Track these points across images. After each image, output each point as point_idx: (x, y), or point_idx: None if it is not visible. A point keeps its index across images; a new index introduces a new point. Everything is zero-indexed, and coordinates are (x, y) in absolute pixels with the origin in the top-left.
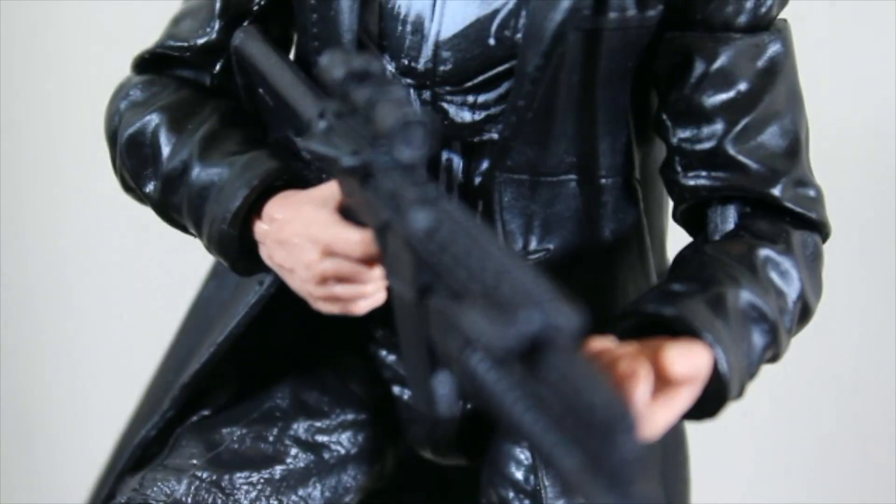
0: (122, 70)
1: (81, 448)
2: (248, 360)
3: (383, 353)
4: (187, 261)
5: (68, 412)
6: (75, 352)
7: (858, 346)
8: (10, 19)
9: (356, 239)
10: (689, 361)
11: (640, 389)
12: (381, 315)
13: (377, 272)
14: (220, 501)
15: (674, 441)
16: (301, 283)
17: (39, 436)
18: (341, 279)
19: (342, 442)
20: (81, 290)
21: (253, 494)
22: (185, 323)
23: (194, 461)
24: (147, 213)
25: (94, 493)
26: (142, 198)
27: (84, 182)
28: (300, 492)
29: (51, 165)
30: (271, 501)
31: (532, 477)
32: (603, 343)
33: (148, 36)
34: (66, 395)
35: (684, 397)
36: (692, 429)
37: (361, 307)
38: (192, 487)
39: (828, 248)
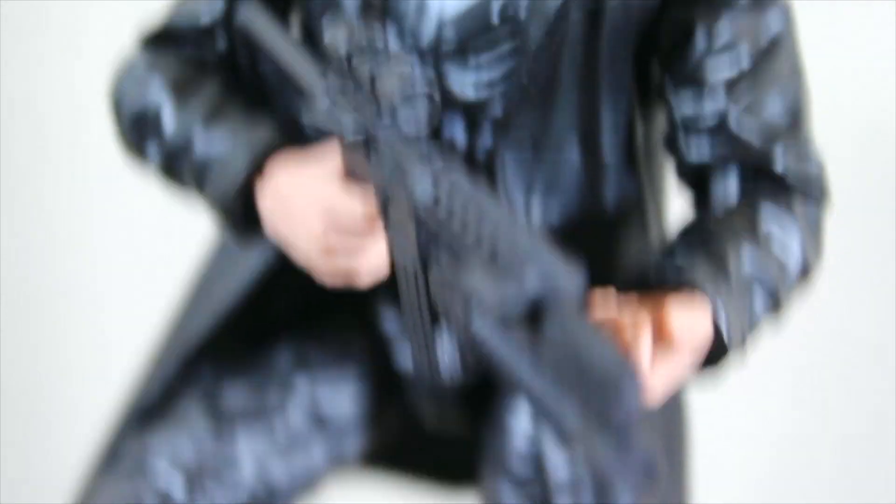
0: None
1: (88, 409)
2: (250, 320)
3: (386, 321)
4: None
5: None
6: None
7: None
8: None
9: (360, 211)
10: (691, 322)
11: (643, 346)
12: (384, 283)
13: (381, 243)
14: (222, 461)
15: (674, 403)
16: (305, 256)
17: (44, 394)
18: (345, 251)
19: (343, 403)
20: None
21: (256, 454)
22: (188, 289)
23: (197, 421)
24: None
25: (98, 454)
26: (144, 164)
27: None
28: (302, 451)
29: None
30: (273, 460)
31: (533, 444)
32: (604, 297)
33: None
34: (73, 353)
35: (686, 358)
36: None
37: (365, 280)
38: (195, 447)
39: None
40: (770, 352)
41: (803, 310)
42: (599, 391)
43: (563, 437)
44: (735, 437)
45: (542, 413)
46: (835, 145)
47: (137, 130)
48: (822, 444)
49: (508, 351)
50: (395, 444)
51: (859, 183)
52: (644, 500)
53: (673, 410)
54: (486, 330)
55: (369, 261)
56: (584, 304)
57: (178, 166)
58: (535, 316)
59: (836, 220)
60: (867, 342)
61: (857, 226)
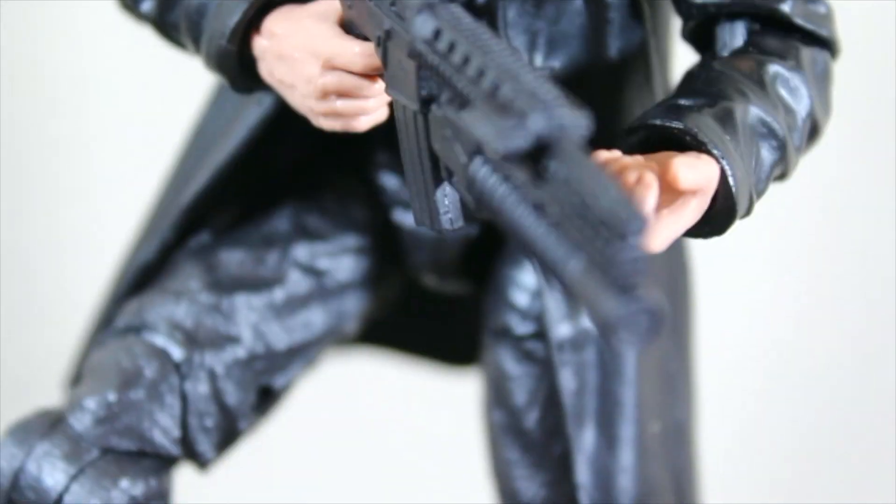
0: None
1: (85, 274)
2: (247, 184)
3: (385, 177)
4: None
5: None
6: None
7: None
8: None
9: (357, 51)
10: (697, 172)
11: (648, 197)
12: (383, 138)
13: (379, 86)
14: (219, 323)
15: (678, 258)
16: (302, 98)
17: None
18: (343, 94)
19: (343, 267)
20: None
21: (253, 317)
22: (184, 148)
23: (193, 284)
24: None
25: (94, 320)
26: (139, 17)
27: None
28: (301, 315)
29: None
30: (272, 323)
31: (536, 301)
32: (609, 154)
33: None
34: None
35: (692, 209)
36: None
37: (363, 123)
38: (192, 310)
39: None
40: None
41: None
42: (604, 232)
43: (565, 284)
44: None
45: (542, 260)
46: None
47: None
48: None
49: (509, 192)
50: (395, 318)
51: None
52: (648, 353)
53: (677, 266)
54: (486, 170)
55: (367, 102)
56: (589, 148)
57: (172, 11)
58: (537, 156)
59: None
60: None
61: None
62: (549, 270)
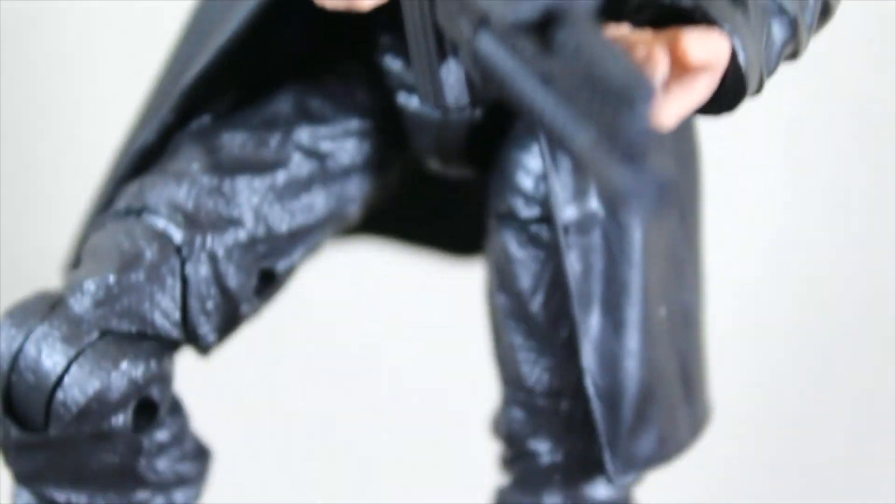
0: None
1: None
2: (249, 68)
3: (389, 60)
4: None
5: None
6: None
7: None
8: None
9: None
10: (707, 47)
11: (657, 70)
12: (387, 20)
13: None
14: (221, 206)
15: (687, 136)
16: None
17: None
18: None
19: (346, 150)
20: None
21: (255, 199)
22: (184, 31)
23: (194, 166)
24: None
25: (94, 203)
26: None
27: None
28: (303, 198)
29: None
30: (273, 206)
31: (541, 184)
32: (618, 30)
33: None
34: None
35: (702, 85)
36: None
37: (367, 1)
38: (193, 192)
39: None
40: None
41: None
42: (613, 103)
43: (575, 156)
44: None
45: (551, 132)
46: None
47: None
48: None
49: (516, 65)
50: (398, 206)
51: None
52: (655, 238)
53: (686, 152)
54: (492, 43)
55: None
56: (598, 20)
57: None
58: (545, 27)
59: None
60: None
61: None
62: (558, 142)
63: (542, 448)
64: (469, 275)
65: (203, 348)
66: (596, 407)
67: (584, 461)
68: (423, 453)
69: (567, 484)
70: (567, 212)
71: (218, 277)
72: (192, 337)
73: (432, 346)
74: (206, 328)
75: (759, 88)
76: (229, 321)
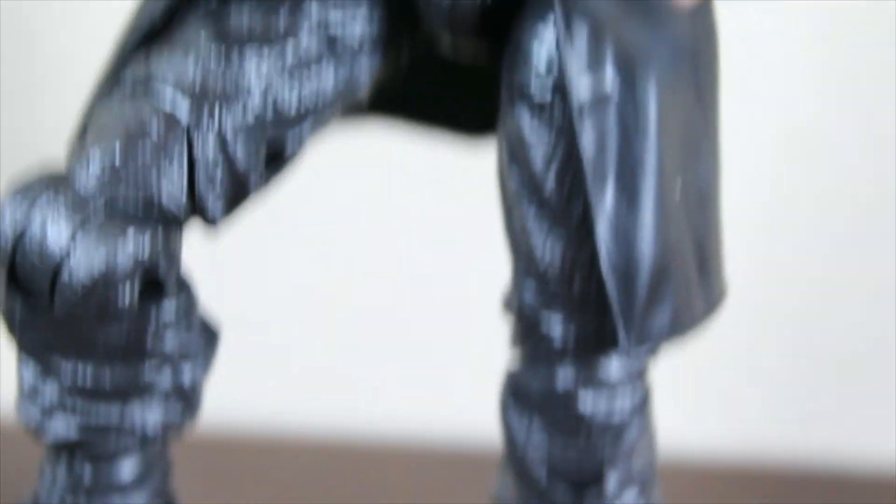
0: None
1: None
2: None
3: None
4: None
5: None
6: None
7: None
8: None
9: None
10: None
11: None
12: None
13: None
14: (228, 79)
15: (706, 28)
16: None
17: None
18: None
19: (356, 26)
20: None
21: (263, 73)
22: None
23: (202, 39)
24: None
25: (100, 76)
26: None
27: None
28: (312, 73)
29: None
30: (282, 80)
31: (556, 57)
32: None
33: None
34: None
35: None
36: None
37: None
38: (200, 64)
39: None
40: None
41: None
42: None
43: (594, 22)
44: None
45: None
46: None
47: None
48: None
49: None
50: (408, 88)
51: None
52: (670, 114)
53: (704, 30)
54: None
55: None
56: None
57: None
58: None
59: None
60: None
61: None
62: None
63: (555, 323)
64: (482, 153)
65: (210, 223)
66: (610, 281)
67: (597, 336)
68: (435, 333)
69: (581, 359)
70: (581, 84)
71: (225, 152)
72: (199, 211)
73: (445, 224)
74: (213, 202)
75: None
76: (237, 196)
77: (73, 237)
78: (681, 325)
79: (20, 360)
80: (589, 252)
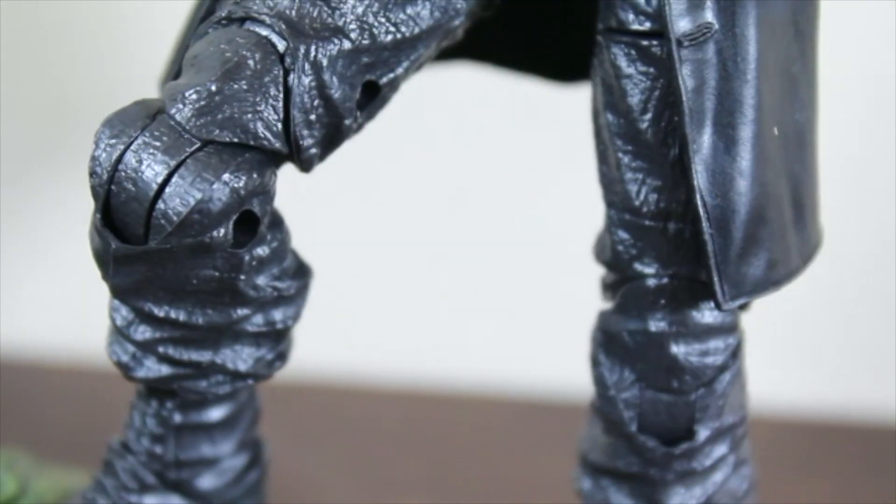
0: None
1: None
2: None
3: None
4: None
5: None
6: None
7: None
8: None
9: None
10: None
11: None
12: None
13: None
14: (325, 14)
15: None
16: None
17: None
18: None
19: None
20: None
21: (359, 8)
22: None
23: None
24: None
25: (194, 11)
26: None
27: None
28: (408, 9)
29: None
30: (378, 16)
31: None
32: None
33: None
34: None
35: None
36: None
37: None
38: (296, 0)
39: None
40: None
41: None
42: None
43: None
44: None
45: None
46: None
47: None
48: None
49: None
50: (503, 29)
51: None
52: (770, 54)
53: None
54: None
55: None
56: None
57: None
58: None
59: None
60: None
61: None
62: None
63: (648, 271)
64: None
65: (305, 162)
66: (706, 228)
67: (690, 285)
68: (523, 282)
69: (673, 308)
70: (681, 24)
71: (321, 88)
72: (295, 149)
73: (531, 166)
74: (309, 140)
75: None
76: (333, 135)
77: (169, 168)
78: (776, 275)
79: (112, 300)
80: (684, 196)
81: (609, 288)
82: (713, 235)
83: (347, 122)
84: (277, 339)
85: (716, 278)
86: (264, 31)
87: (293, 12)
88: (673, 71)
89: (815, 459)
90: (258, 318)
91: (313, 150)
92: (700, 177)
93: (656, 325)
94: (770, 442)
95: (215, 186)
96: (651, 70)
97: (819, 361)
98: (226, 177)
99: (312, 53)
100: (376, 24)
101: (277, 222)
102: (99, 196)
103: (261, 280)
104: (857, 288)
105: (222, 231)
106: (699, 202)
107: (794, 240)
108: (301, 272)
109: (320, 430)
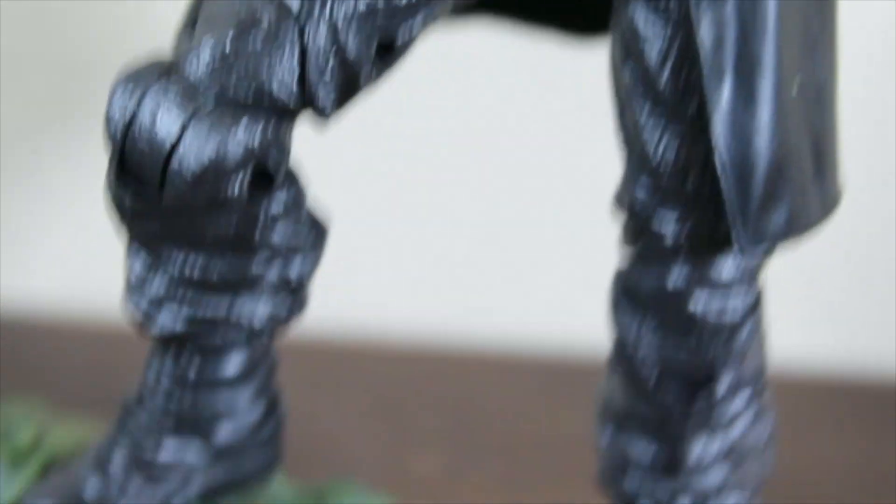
0: None
1: None
2: None
3: None
4: None
5: None
6: None
7: None
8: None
9: None
10: None
11: None
12: None
13: None
14: None
15: None
16: None
17: None
18: None
19: None
20: None
21: None
22: None
23: None
24: None
25: None
26: None
27: None
28: None
29: None
30: None
31: None
32: None
33: None
34: None
35: None
36: None
37: None
38: None
39: None
40: None
41: None
42: None
43: None
44: None
45: None
46: None
47: None
48: None
49: None
50: None
51: None
52: (789, 11)
53: None
54: None
55: None
56: None
57: None
58: None
59: None
60: None
61: None
62: None
63: (668, 221)
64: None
65: (321, 115)
66: (725, 180)
67: (711, 235)
68: (543, 234)
69: (694, 258)
70: None
71: (337, 44)
72: (309, 102)
73: (549, 120)
74: (324, 92)
75: None
76: (348, 87)
77: (183, 125)
78: (797, 225)
79: (128, 252)
80: (704, 149)
81: (629, 238)
82: (732, 188)
83: (363, 77)
84: (294, 291)
85: (736, 228)
86: None
87: None
88: (691, 25)
89: (847, 419)
90: (274, 269)
91: (329, 103)
92: (719, 129)
93: (677, 274)
94: (789, 399)
95: (230, 141)
96: (669, 24)
97: (846, 318)
98: (240, 131)
99: (328, 10)
100: None
101: (293, 176)
102: (114, 152)
103: (277, 232)
104: (875, 240)
105: (237, 185)
106: (718, 156)
107: (814, 192)
108: (318, 224)
109: (339, 386)
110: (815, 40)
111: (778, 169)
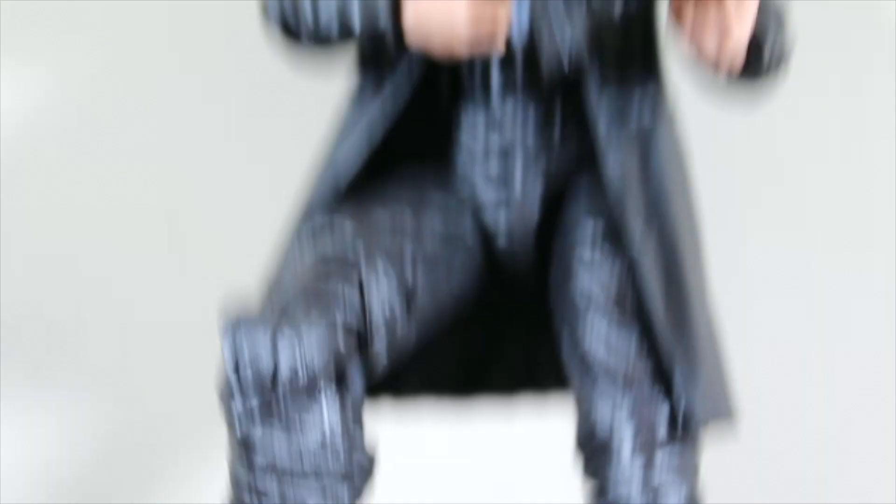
0: None
1: None
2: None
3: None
4: None
5: None
6: None
7: None
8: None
9: None
10: None
11: None
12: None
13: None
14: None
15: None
16: (450, 26)
17: None
18: (489, 19)
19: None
20: None
21: (413, 255)
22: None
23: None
24: None
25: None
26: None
27: None
28: (442, 263)
29: None
30: (420, 266)
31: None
32: None
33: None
34: None
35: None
36: None
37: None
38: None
39: None
40: None
41: None
42: None
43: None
44: None
45: None
46: None
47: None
48: None
49: None
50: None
51: None
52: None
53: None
54: None
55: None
56: None
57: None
58: None
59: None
60: None
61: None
62: None
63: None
64: None
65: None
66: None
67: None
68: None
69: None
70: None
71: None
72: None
73: None
74: (379, 343)
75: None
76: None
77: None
78: (724, 408)
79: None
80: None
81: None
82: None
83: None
84: None
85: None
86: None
87: (370, 243)
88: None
89: None
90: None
91: (381, 351)
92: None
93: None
94: None
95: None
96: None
97: None
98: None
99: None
100: (419, 272)
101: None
102: (229, 380)
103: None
104: None
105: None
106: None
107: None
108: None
109: None
110: (704, 291)
111: (714, 363)
